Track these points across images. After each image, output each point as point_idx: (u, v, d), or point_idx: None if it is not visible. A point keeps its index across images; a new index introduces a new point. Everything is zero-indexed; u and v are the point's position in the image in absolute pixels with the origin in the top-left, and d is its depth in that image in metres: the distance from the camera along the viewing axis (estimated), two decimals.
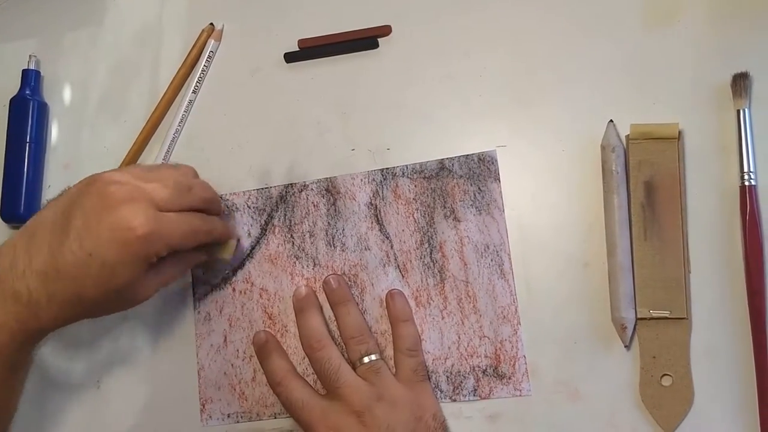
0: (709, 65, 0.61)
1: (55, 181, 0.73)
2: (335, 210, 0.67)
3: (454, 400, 0.62)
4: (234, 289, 0.68)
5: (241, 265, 0.68)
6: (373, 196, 0.66)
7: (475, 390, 0.62)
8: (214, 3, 0.73)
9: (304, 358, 0.64)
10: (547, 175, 0.63)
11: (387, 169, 0.66)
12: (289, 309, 0.66)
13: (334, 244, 0.66)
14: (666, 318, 0.58)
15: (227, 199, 0.69)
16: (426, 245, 0.64)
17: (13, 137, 0.73)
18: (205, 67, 0.71)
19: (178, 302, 0.69)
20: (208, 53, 0.71)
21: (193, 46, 0.72)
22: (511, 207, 0.63)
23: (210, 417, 0.67)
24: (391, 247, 0.65)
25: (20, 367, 0.60)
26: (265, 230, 0.68)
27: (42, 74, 0.75)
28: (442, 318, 0.63)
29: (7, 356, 0.57)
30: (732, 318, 0.58)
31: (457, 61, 0.66)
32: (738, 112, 0.59)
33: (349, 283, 0.65)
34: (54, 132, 0.75)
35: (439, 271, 0.64)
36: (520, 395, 0.61)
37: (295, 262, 0.67)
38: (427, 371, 0.63)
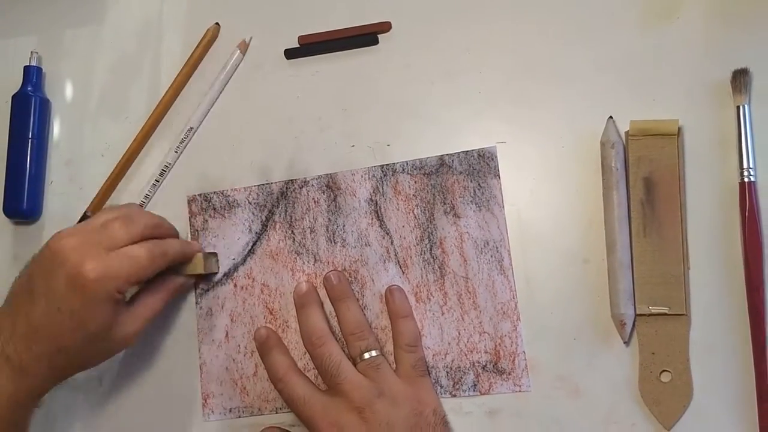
0: (708, 61, 0.61)
1: (57, 177, 0.74)
2: (336, 206, 0.67)
3: (454, 396, 0.62)
4: (235, 285, 0.68)
5: (243, 261, 0.68)
6: (374, 192, 0.66)
7: (475, 385, 0.62)
8: (215, 0, 0.73)
9: (304, 353, 0.65)
10: (547, 171, 0.63)
11: (387, 165, 0.66)
12: (290, 304, 0.66)
13: (334, 240, 0.66)
14: (665, 314, 0.58)
15: (228, 195, 0.69)
16: (426, 241, 0.64)
17: (15, 133, 0.73)
18: (226, 77, 0.71)
19: (179, 298, 0.69)
20: (232, 63, 0.71)
21: (198, 46, 0.72)
22: (510, 203, 0.63)
23: (212, 412, 0.67)
24: (392, 243, 0.65)
25: (20, 430, 0.62)
26: (266, 226, 0.68)
27: (44, 71, 0.75)
28: (442, 314, 0.63)
29: (6, 419, 0.60)
30: (731, 314, 0.58)
31: (457, 58, 0.66)
32: (738, 108, 0.59)
33: (350, 278, 0.65)
34: (56, 128, 0.75)
35: (439, 267, 0.64)
36: (520, 391, 0.61)
37: (295, 258, 0.67)
38: (427, 367, 0.63)
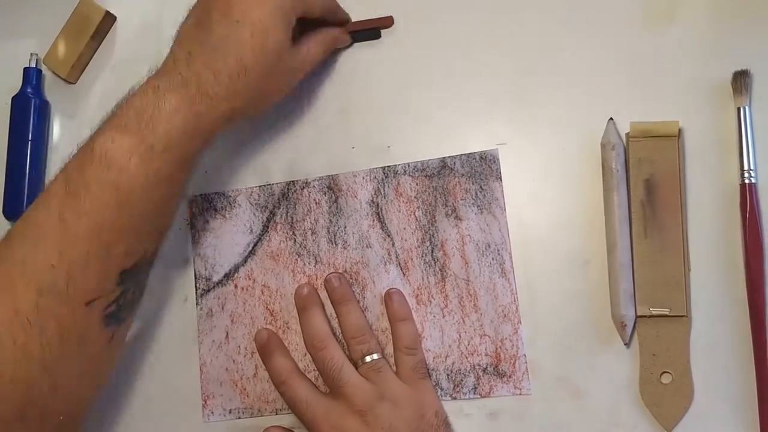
0: (709, 63, 0.61)
1: None
2: (337, 207, 0.67)
3: (455, 398, 0.62)
4: (236, 286, 0.68)
5: (243, 262, 0.68)
6: (375, 193, 0.66)
7: (476, 388, 0.62)
8: None
9: (305, 354, 0.65)
10: (548, 173, 0.63)
11: (389, 167, 0.66)
12: (290, 306, 0.66)
13: (335, 242, 0.66)
14: (666, 315, 0.58)
15: (229, 195, 0.69)
16: (427, 243, 0.64)
17: (14, 135, 0.73)
18: None
19: (180, 298, 0.69)
20: None
21: None
22: (511, 205, 0.63)
23: (212, 413, 0.67)
24: (393, 245, 0.65)
25: (186, 169, 0.61)
26: (267, 227, 0.68)
27: (43, 72, 0.75)
28: (443, 316, 0.63)
29: (180, 146, 0.58)
30: (732, 316, 0.58)
31: (458, 60, 0.66)
32: (738, 109, 0.59)
33: (351, 280, 0.65)
34: (55, 130, 0.75)
35: (440, 270, 0.64)
36: (520, 394, 0.61)
37: (296, 259, 0.67)
38: (428, 369, 0.63)
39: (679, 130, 0.60)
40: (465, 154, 0.65)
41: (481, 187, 0.64)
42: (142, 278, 0.62)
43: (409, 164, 0.66)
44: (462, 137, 0.65)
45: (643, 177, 0.60)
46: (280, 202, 0.68)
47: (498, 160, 0.64)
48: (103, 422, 0.69)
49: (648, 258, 0.59)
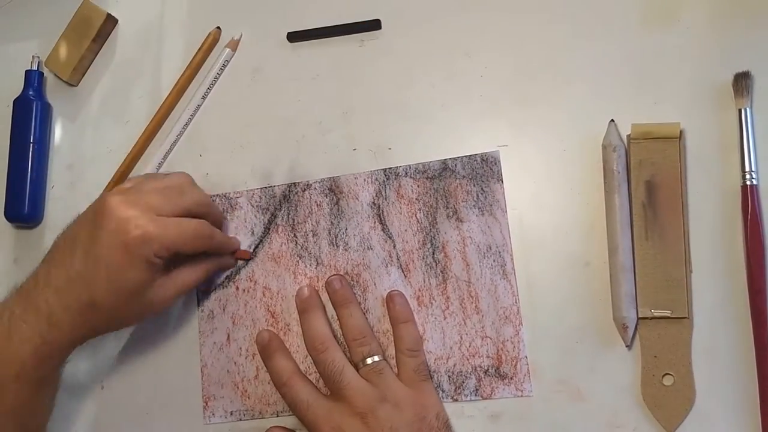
0: (710, 64, 0.61)
1: (58, 182, 0.74)
2: (338, 209, 0.67)
3: (456, 400, 0.62)
4: (237, 288, 0.68)
5: (245, 264, 0.68)
6: (376, 195, 0.66)
7: (477, 390, 0.62)
8: (215, 4, 0.73)
9: (306, 356, 0.65)
10: (549, 174, 0.63)
11: (390, 169, 0.66)
12: (291, 308, 0.66)
13: (336, 244, 0.66)
14: (667, 317, 0.58)
15: (231, 197, 0.69)
16: (428, 245, 0.64)
17: (16, 138, 0.73)
18: (217, 75, 0.71)
19: (181, 300, 0.69)
20: (222, 62, 0.71)
21: (199, 50, 0.72)
22: (512, 206, 0.63)
23: (213, 414, 0.67)
24: (394, 246, 0.65)
25: (45, 384, 0.62)
26: (269, 229, 0.68)
27: (45, 75, 0.75)
28: (444, 318, 0.63)
29: (32, 371, 0.60)
30: (733, 317, 0.58)
31: (458, 61, 0.66)
32: (739, 111, 0.59)
33: (352, 282, 0.65)
34: (57, 132, 0.75)
35: (441, 272, 0.64)
36: (522, 396, 0.61)
37: (298, 261, 0.67)
38: (429, 371, 0.63)
39: (681, 132, 0.60)
40: (466, 156, 0.65)
41: (482, 188, 0.64)
42: None
43: (410, 166, 0.66)
44: (463, 139, 0.65)
45: (645, 178, 0.60)
46: (282, 204, 0.68)
47: (499, 161, 0.64)
48: (103, 423, 0.69)
49: (649, 260, 0.59)
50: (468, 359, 0.62)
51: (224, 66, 0.71)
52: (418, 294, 0.64)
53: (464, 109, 0.66)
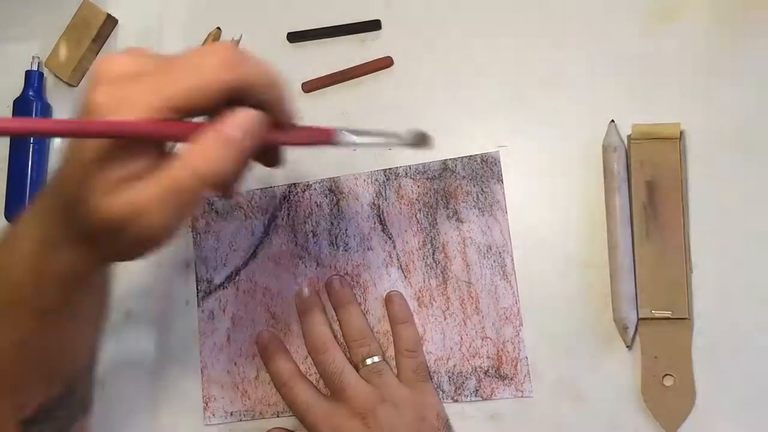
0: (710, 64, 0.61)
1: None
2: (338, 210, 0.67)
3: (456, 401, 0.62)
4: (237, 288, 0.68)
5: (245, 264, 0.68)
6: (376, 196, 0.66)
7: (477, 390, 0.62)
8: (215, 4, 0.73)
9: (306, 357, 0.65)
10: (549, 175, 0.63)
11: (390, 169, 0.66)
12: (291, 308, 0.66)
13: (336, 244, 0.66)
14: (668, 318, 0.58)
15: (231, 198, 0.69)
16: (429, 246, 0.64)
17: (17, 138, 0.73)
18: None
19: (181, 301, 0.69)
20: None
21: None
22: (512, 207, 0.63)
23: (213, 415, 0.67)
24: (394, 247, 0.65)
25: (51, 312, 0.49)
26: (269, 229, 0.68)
27: (45, 75, 0.75)
28: (445, 319, 0.63)
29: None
30: (733, 317, 0.58)
31: (458, 62, 0.66)
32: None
33: (352, 283, 0.65)
34: None
35: (441, 272, 0.64)
36: (522, 396, 0.61)
37: (298, 262, 0.67)
38: (429, 371, 0.63)
39: (681, 132, 0.60)
40: (466, 157, 0.65)
41: (482, 189, 0.64)
42: (61, 414, 0.55)
43: (410, 166, 0.66)
44: (463, 139, 0.65)
45: (645, 179, 0.60)
46: (282, 204, 0.68)
47: (499, 162, 0.64)
48: (104, 424, 0.69)
49: (650, 260, 0.59)
50: (468, 360, 0.62)
51: None
52: (418, 294, 0.64)
53: (464, 109, 0.65)
